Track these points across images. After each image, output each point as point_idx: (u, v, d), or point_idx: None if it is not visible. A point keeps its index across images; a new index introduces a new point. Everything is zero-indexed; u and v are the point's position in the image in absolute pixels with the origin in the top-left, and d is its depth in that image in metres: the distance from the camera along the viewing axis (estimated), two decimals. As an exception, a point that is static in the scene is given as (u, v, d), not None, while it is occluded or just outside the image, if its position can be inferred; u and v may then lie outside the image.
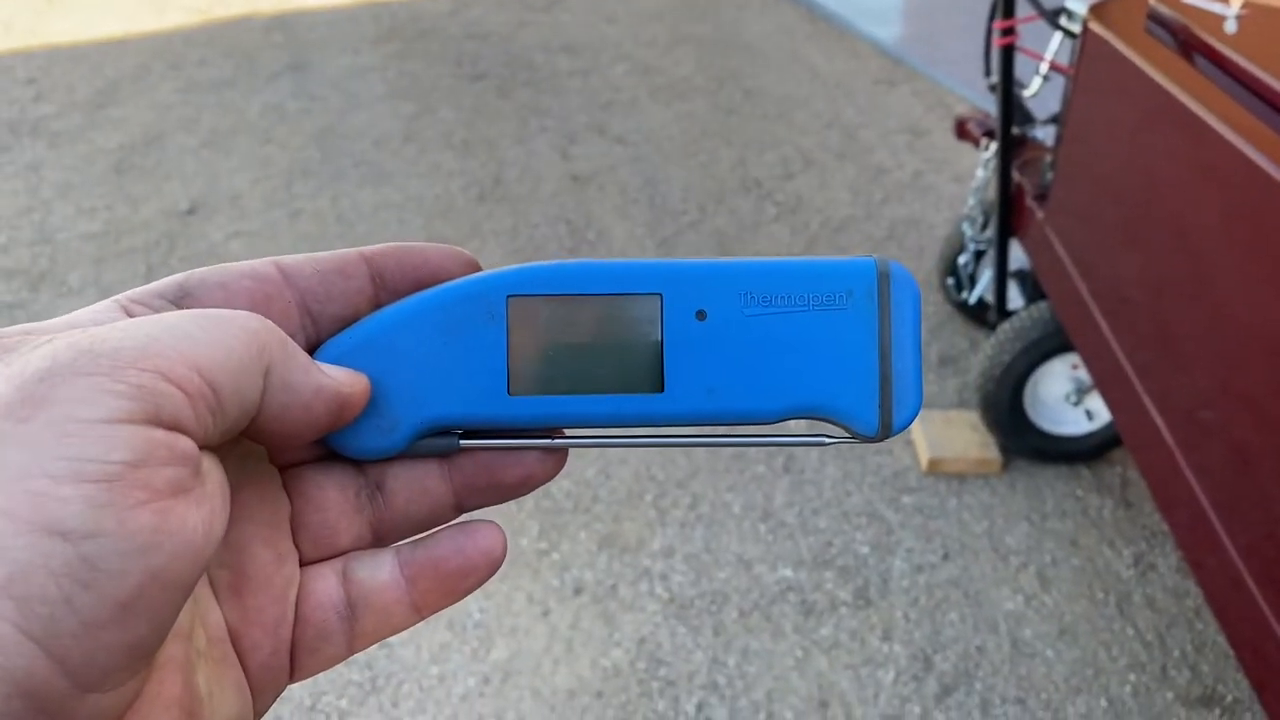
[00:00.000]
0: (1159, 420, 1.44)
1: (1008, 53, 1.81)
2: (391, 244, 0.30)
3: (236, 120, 3.73)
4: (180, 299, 0.27)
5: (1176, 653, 1.68)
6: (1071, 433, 1.97)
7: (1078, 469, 2.03)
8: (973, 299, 2.29)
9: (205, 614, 0.28)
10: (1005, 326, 1.92)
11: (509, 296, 0.30)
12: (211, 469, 0.24)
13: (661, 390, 0.30)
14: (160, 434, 0.22)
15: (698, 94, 3.88)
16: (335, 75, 4.13)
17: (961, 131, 2.21)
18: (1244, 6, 1.46)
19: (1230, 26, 1.45)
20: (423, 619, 0.31)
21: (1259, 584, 1.19)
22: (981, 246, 2.20)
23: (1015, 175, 1.94)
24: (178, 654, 0.25)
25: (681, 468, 2.04)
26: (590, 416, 0.30)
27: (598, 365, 0.30)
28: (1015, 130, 1.93)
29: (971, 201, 2.15)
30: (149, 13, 5.05)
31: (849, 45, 4.38)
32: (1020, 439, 1.99)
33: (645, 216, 3.02)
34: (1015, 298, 2.16)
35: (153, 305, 0.27)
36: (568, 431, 0.31)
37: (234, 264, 0.29)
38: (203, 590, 0.28)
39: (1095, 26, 1.62)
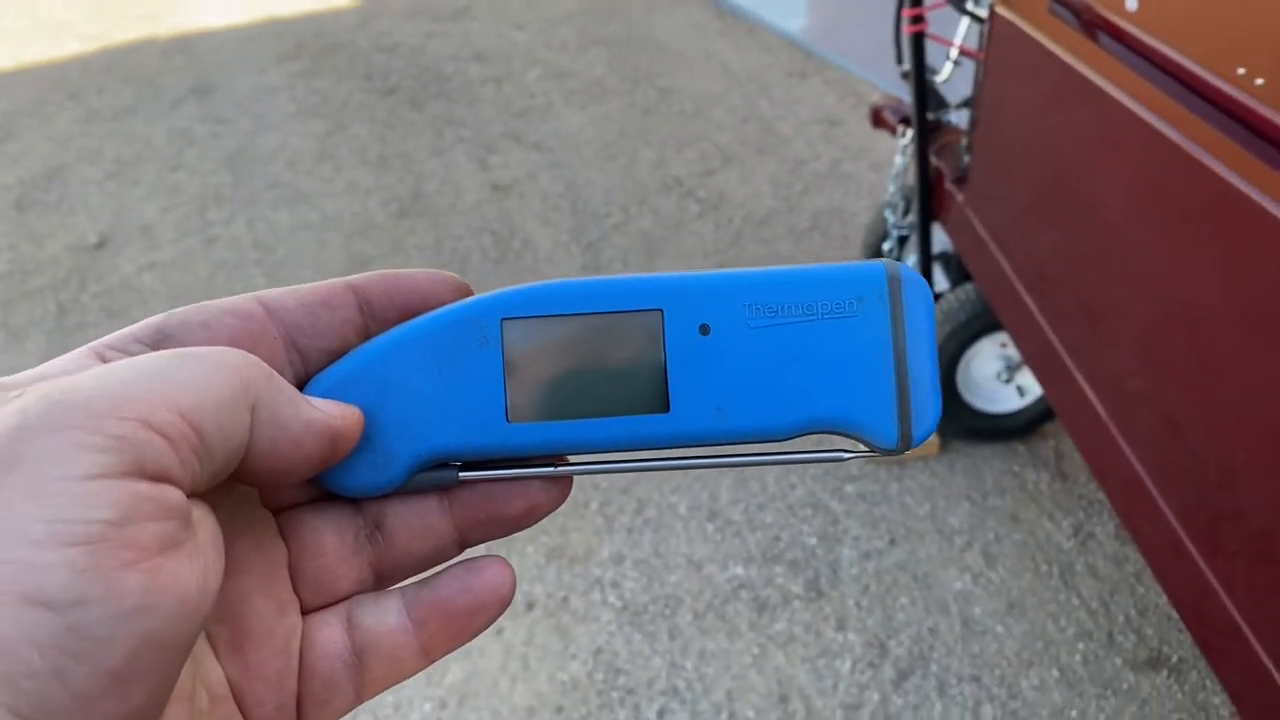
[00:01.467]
0: (1089, 392, 1.46)
1: (918, 40, 1.83)
2: (378, 272, 0.29)
3: (142, 148, 3.62)
4: (158, 342, 0.26)
5: (1121, 618, 1.71)
6: (1005, 410, 2.00)
7: (1013, 445, 2.06)
8: (899, 284, 2.32)
9: (206, 673, 0.26)
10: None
11: (503, 319, 0.28)
12: (202, 518, 0.23)
13: (667, 410, 0.29)
14: (144, 486, 0.21)
15: (612, 96, 3.87)
16: (242, 96, 4.03)
17: (877, 120, 2.23)
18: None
19: (1131, 4, 1.49)
20: (432, 662, 0.29)
21: (1196, 545, 1.21)
22: (905, 232, 2.23)
23: (933, 160, 1.96)
24: (179, 718, 0.24)
25: (624, 473, 2.03)
26: (593, 441, 0.29)
27: (599, 387, 0.29)
28: (930, 116, 1.96)
29: (892, 188, 2.17)
30: (43, 41, 4.89)
31: (759, 39, 4.41)
32: (955, 420, 2.01)
33: (569, 222, 3.00)
34: (941, 281, 2.19)
35: (129, 350, 0.26)
36: (571, 458, 0.30)
37: (214, 302, 0.27)
38: (201, 648, 0.26)
39: (1002, 10, 1.64)
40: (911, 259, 2.22)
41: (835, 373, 0.28)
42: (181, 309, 0.27)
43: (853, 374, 0.28)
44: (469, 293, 0.30)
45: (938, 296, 2.06)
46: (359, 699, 0.29)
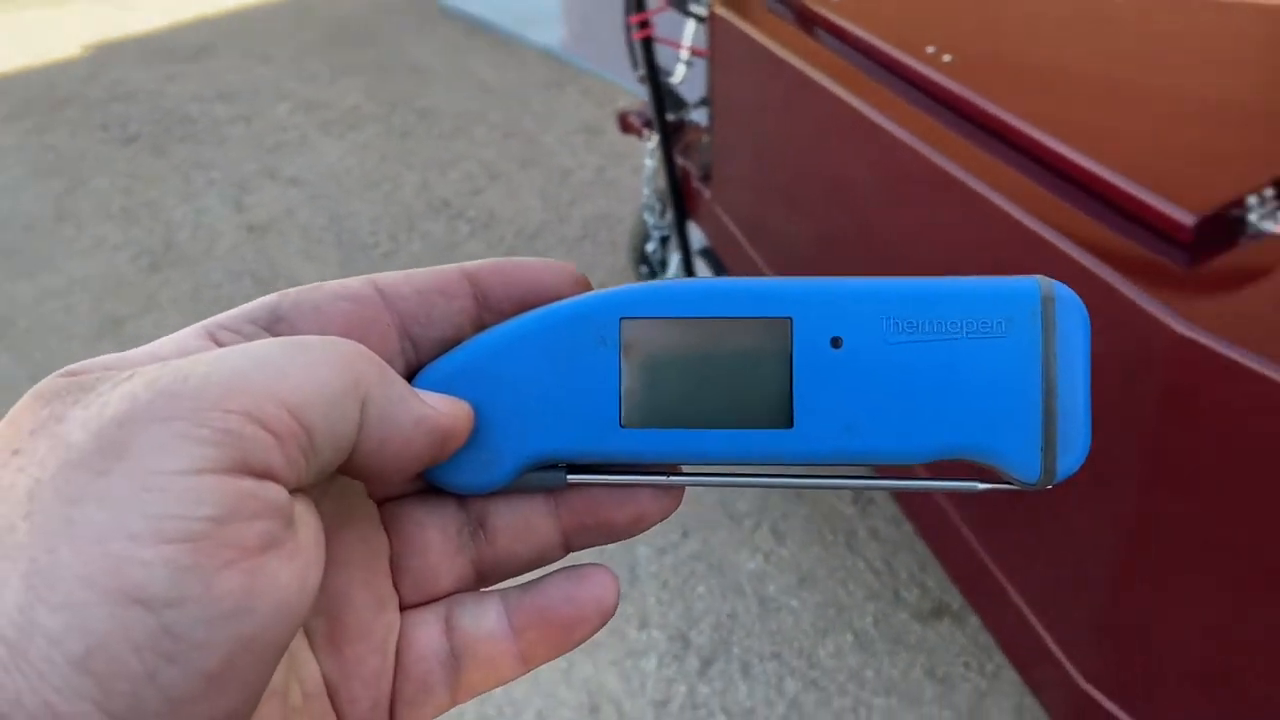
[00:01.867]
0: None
1: (647, 44, 1.87)
2: (496, 259, 0.28)
3: None
4: (272, 324, 0.25)
5: (904, 574, 1.81)
6: (777, 392, 2.07)
7: (790, 424, 2.14)
8: (667, 283, 2.37)
9: (300, 668, 0.26)
10: (698, 304, 1.99)
11: (622, 319, 0.27)
12: (305, 515, 0.23)
13: (790, 426, 0.27)
14: (248, 483, 0.20)
15: (370, 122, 3.79)
16: (-38, 160, 3.73)
17: (625, 125, 2.27)
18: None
19: (835, -6, 1.57)
20: (529, 670, 0.28)
21: (959, 514, 1.29)
22: (665, 232, 2.28)
23: (680, 160, 2.01)
24: (272, 715, 0.24)
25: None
26: (709, 453, 0.27)
27: (719, 396, 0.27)
28: (671, 117, 2.01)
29: (646, 191, 2.21)
30: None
31: (515, 54, 4.42)
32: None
33: (335, 256, 2.92)
34: (705, 275, 2.24)
35: (243, 331, 0.25)
36: (684, 468, 0.28)
37: (329, 284, 0.27)
38: (298, 642, 0.26)
39: (720, 10, 1.70)
40: (675, 258, 2.27)
41: (976, 397, 0.26)
42: (296, 289, 0.26)
43: (996, 399, 0.26)
44: (588, 286, 0.28)
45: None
46: (453, 702, 0.28)
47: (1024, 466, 0.27)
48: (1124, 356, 0.88)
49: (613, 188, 3.18)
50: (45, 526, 0.19)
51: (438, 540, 0.28)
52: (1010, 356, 0.26)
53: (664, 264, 2.38)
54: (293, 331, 0.26)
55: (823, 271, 1.57)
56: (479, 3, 4.85)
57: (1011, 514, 1.17)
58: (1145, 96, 1.14)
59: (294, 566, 0.21)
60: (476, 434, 0.27)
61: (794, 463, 0.27)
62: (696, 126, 2.12)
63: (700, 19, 1.85)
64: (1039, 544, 1.13)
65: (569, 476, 0.28)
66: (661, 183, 2.11)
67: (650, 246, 2.35)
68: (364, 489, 0.28)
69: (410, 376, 0.28)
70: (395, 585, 0.28)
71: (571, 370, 0.27)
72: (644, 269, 2.43)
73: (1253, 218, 0.94)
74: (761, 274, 1.73)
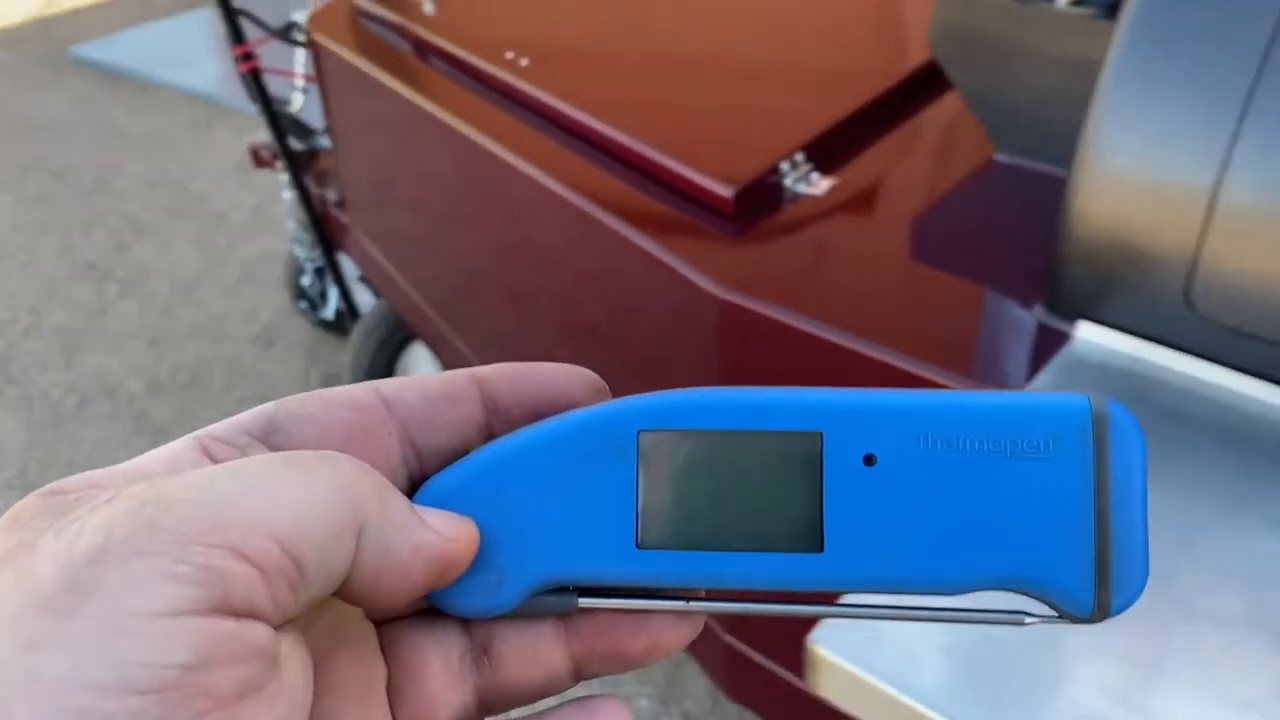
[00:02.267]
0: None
1: (254, 76, 1.82)
2: (506, 364, 0.26)
3: None
4: (268, 434, 0.24)
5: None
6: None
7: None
8: (331, 314, 2.31)
9: None
10: (356, 329, 1.96)
11: (641, 431, 0.25)
12: (291, 652, 0.21)
13: (820, 550, 0.25)
14: (229, 625, 0.19)
15: (-3, 190, 3.47)
16: None
17: (258, 160, 2.20)
18: (435, -12, 1.59)
19: (428, 8, 1.58)
20: None
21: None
22: (318, 263, 2.22)
23: (315, 189, 1.97)
24: None
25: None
26: (732, 577, 0.25)
27: (744, 516, 0.25)
28: (301, 146, 1.96)
29: (291, 224, 2.15)
30: None
31: (156, 99, 4.17)
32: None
33: (-34, 339, 2.65)
34: (370, 300, 2.21)
35: (237, 443, 0.24)
36: (705, 593, 0.26)
37: (330, 391, 0.25)
38: None
39: (318, 36, 1.68)
40: (334, 290, 2.22)
41: (1022, 522, 0.24)
42: (294, 397, 0.25)
43: (1043, 525, 0.24)
44: (605, 391, 0.27)
45: (358, 316, 2.07)
46: None
47: (1075, 601, 0.24)
48: (683, 320, 0.95)
49: (273, 226, 3.07)
50: (1, 676, 0.18)
51: (438, 667, 0.26)
52: (1059, 479, 0.24)
53: (324, 296, 2.32)
54: (289, 443, 0.24)
55: (465, 298, 1.59)
56: (114, 50, 4.54)
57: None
58: (694, 74, 1.22)
59: (275, 712, 0.20)
60: (482, 554, 0.25)
61: (823, 589, 0.25)
62: (328, 153, 2.08)
63: (306, 46, 1.82)
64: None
65: (580, 600, 0.26)
66: (303, 214, 2.06)
67: (306, 280, 2.28)
68: (361, 610, 0.26)
69: (413, 489, 0.26)
70: (393, 714, 0.26)
71: (585, 486, 0.25)
72: (303, 304, 2.36)
73: (788, 182, 1.03)
74: (409, 297, 1.72)
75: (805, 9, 1.36)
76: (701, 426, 0.25)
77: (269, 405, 0.25)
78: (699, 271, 0.91)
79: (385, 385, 0.26)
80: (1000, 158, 1.02)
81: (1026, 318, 0.85)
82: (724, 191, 0.98)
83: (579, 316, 1.26)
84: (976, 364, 0.84)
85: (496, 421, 0.27)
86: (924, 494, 0.24)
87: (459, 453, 0.26)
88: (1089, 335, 0.80)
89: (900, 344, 0.84)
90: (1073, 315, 0.81)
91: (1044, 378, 0.79)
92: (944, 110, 1.13)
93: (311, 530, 0.21)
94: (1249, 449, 0.71)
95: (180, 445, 0.24)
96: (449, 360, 1.73)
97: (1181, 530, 0.65)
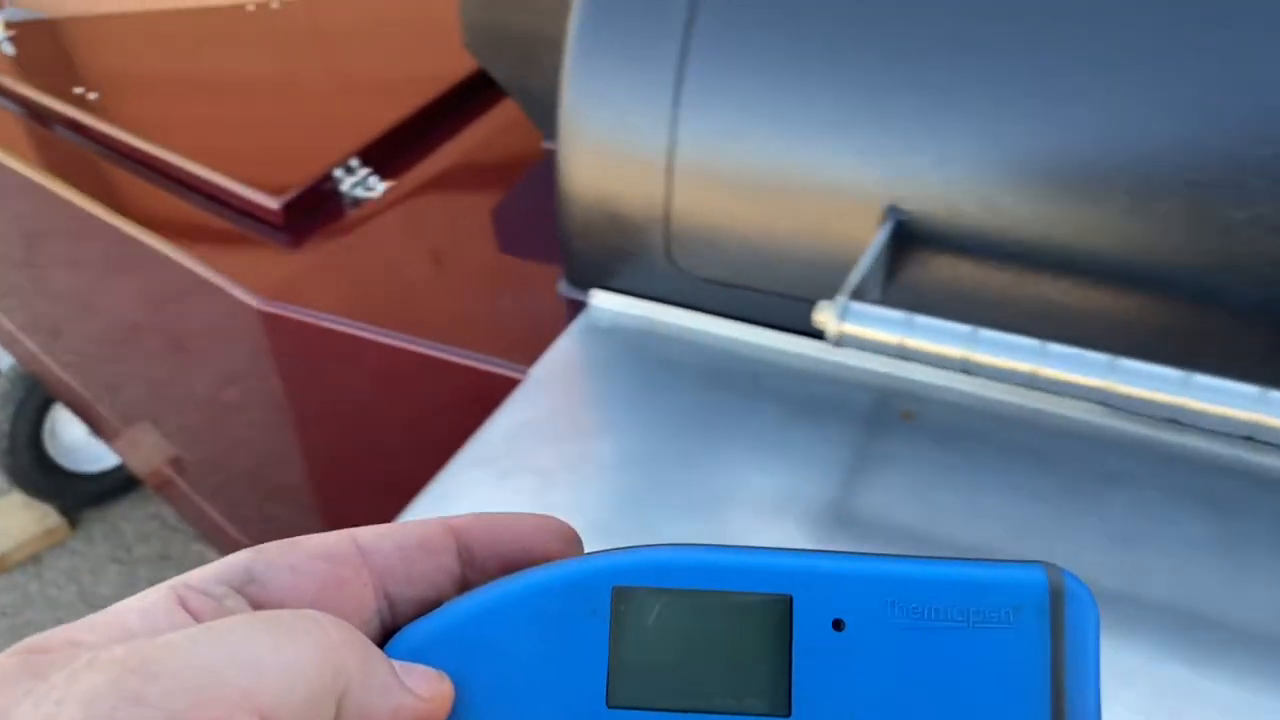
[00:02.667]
0: (157, 456, 1.48)
1: None
2: (481, 514, 0.27)
3: None
4: (245, 585, 0.23)
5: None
6: (110, 465, 1.97)
7: (143, 491, 2.04)
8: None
9: None
10: (-4, 396, 1.84)
11: (615, 587, 0.25)
12: None
13: (788, 714, 0.25)
14: None
15: None
16: None
17: None
18: (8, 26, 1.51)
19: (7, 49, 1.50)
20: None
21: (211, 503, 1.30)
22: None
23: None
24: None
25: None
26: None
27: (713, 678, 0.25)
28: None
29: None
30: None
31: None
32: (71, 492, 1.95)
33: None
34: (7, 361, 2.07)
35: (214, 594, 0.23)
36: None
37: (307, 540, 0.25)
38: None
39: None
40: None
41: (982, 691, 0.24)
42: (272, 545, 0.25)
43: (1001, 694, 0.24)
44: (578, 543, 0.27)
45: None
46: None
47: None
48: (235, 336, 0.95)
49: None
50: None
51: None
52: (1016, 650, 0.25)
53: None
54: (266, 594, 0.24)
55: (91, 358, 1.51)
56: None
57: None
58: (253, 92, 1.22)
59: None
60: (456, 709, 0.25)
61: None
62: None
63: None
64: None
65: None
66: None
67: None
68: None
69: (385, 638, 0.26)
70: None
71: (558, 642, 0.25)
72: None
73: (344, 188, 1.04)
74: (42, 361, 1.62)
75: (364, 20, 1.39)
76: (675, 585, 0.26)
77: (245, 554, 0.25)
78: (240, 285, 0.91)
79: (362, 534, 0.26)
80: (547, 144, 1.08)
81: (557, 294, 0.90)
82: (271, 203, 0.99)
83: (154, 349, 1.23)
84: (510, 343, 0.89)
85: (472, 573, 0.27)
86: (889, 660, 0.25)
87: (433, 604, 0.27)
88: (600, 302, 0.86)
89: (437, 334, 0.87)
90: (586, 285, 0.87)
91: (562, 343, 0.84)
92: (509, 108, 1.18)
93: (295, 700, 0.21)
94: (731, 384, 0.79)
95: (156, 597, 0.23)
96: (87, 421, 1.64)
97: (652, 461, 0.71)
